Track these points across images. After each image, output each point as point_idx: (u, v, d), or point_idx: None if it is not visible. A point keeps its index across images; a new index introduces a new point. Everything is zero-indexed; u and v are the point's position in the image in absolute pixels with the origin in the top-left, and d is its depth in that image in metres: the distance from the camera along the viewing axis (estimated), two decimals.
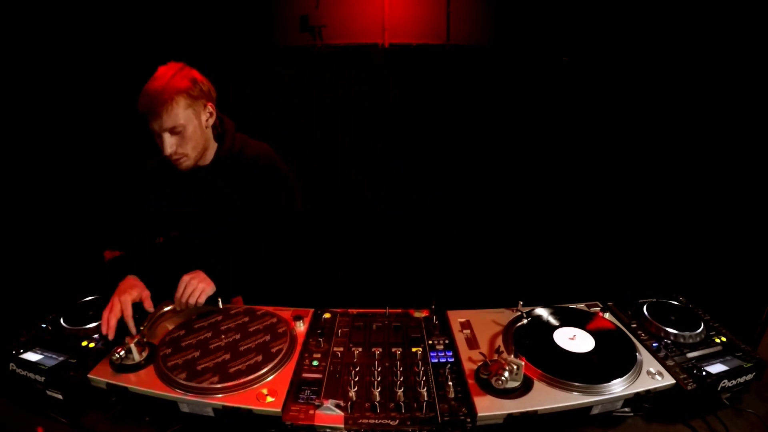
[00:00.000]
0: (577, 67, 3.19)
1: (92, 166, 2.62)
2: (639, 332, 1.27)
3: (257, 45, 3.65)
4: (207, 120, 1.46)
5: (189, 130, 1.39)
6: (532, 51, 3.46)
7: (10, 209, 2.23)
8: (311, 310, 1.38)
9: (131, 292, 1.30)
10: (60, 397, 1.09)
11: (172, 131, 1.36)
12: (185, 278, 1.34)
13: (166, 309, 1.31)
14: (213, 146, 1.54)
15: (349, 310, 1.38)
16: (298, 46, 3.77)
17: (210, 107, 1.46)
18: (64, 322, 1.26)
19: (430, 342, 1.24)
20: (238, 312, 1.34)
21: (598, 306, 1.38)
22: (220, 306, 1.35)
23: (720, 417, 1.09)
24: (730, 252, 2.12)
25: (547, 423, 1.03)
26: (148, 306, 1.31)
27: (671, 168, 2.50)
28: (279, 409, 1.00)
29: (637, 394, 1.06)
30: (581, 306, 1.39)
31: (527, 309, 1.33)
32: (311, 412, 1.00)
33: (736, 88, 2.13)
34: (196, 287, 1.33)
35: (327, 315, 1.36)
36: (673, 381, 1.08)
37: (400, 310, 1.38)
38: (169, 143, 1.37)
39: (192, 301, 1.32)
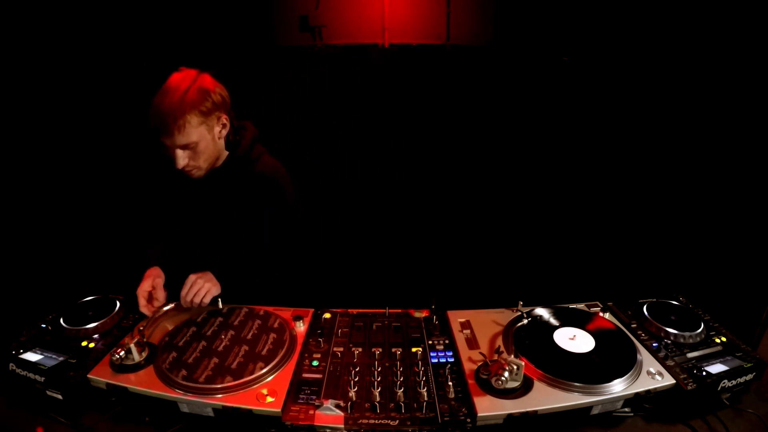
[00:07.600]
0: (577, 67, 3.19)
1: (92, 165, 2.61)
2: (639, 332, 1.27)
3: (257, 45, 3.64)
4: (220, 132, 1.43)
5: (201, 145, 1.37)
6: (532, 51, 3.47)
7: (10, 209, 2.22)
8: (311, 310, 1.38)
9: (142, 284, 1.36)
10: (60, 397, 1.09)
11: (185, 147, 1.35)
12: (192, 277, 1.35)
13: (165, 309, 1.31)
14: (225, 154, 1.51)
15: (349, 310, 1.38)
16: (298, 46, 3.78)
17: (224, 119, 1.43)
18: (64, 322, 1.26)
19: (430, 342, 1.24)
20: (239, 312, 1.34)
21: (598, 306, 1.38)
22: (221, 306, 1.35)
23: (720, 417, 1.09)
24: (730, 252, 2.12)
25: (547, 423, 1.03)
26: (157, 295, 1.36)
27: (671, 168, 2.50)
28: (279, 410, 1.00)
29: (637, 394, 1.06)
30: (581, 306, 1.39)
31: (527, 309, 1.33)
32: (311, 412, 1.00)
33: (736, 88, 2.13)
34: (202, 287, 1.33)
35: (327, 315, 1.36)
36: (673, 381, 1.08)
37: (400, 310, 1.38)
38: (182, 157, 1.36)
39: (197, 300, 1.32)
